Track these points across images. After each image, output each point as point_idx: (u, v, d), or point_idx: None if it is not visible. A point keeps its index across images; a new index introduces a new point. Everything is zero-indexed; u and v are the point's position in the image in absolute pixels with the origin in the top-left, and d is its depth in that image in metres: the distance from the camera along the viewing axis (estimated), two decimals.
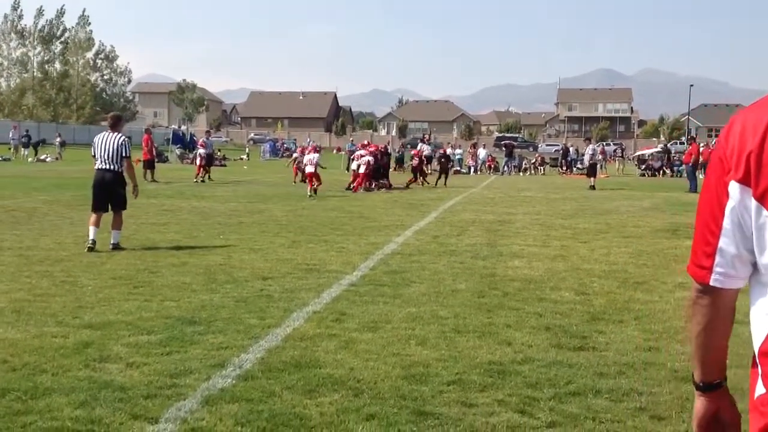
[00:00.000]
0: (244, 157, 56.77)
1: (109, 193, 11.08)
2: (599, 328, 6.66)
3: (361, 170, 25.11)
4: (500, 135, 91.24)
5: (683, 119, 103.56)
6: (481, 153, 47.53)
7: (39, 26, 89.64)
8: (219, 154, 43.39)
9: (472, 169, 44.92)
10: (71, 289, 7.89)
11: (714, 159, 1.65)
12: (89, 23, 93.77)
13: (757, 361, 1.63)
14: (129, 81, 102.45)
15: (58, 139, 50.06)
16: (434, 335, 6.30)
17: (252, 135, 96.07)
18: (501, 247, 11.72)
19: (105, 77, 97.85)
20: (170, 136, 53.77)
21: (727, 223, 1.61)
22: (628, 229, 14.49)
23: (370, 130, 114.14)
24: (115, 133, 11.15)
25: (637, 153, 53.39)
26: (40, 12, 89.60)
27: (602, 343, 6.17)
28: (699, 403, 1.83)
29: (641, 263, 10.27)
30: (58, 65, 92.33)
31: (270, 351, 5.75)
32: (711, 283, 1.68)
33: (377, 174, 26.34)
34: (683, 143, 68.79)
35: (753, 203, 1.55)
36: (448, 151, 39.92)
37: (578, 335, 6.38)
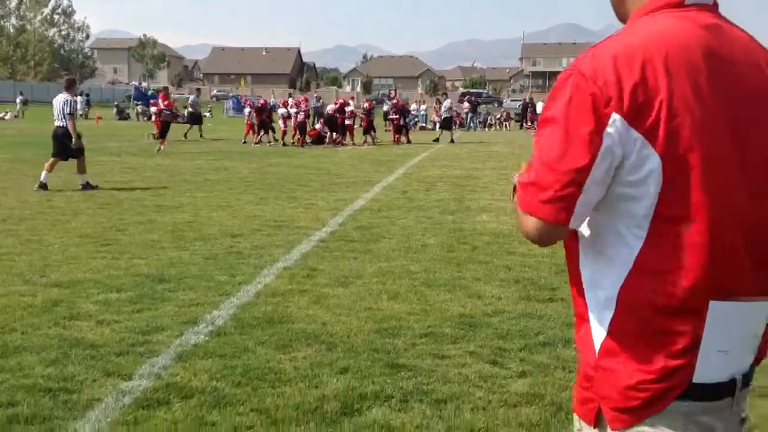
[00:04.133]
0: (207, 114, 56.04)
1: (60, 144, 13.05)
2: (567, 279, 6.74)
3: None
4: (465, 91, 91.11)
5: None
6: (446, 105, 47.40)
7: None
8: (183, 111, 42.80)
9: (438, 125, 44.85)
10: (37, 248, 7.79)
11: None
12: None
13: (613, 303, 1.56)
14: (87, 37, 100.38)
15: (20, 98, 49.46)
16: (405, 289, 6.35)
17: (215, 91, 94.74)
18: (469, 202, 11.78)
19: (63, 33, 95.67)
20: (132, 92, 52.87)
21: (601, 160, 1.51)
22: None
23: (335, 87, 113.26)
24: (64, 94, 13.22)
25: None
26: None
27: (570, 294, 6.25)
28: None
29: None
30: (13, 20, 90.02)
31: (242, 307, 5.75)
32: None
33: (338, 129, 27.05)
34: None
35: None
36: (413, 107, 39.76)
37: (547, 287, 6.48)
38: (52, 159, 12.97)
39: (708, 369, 1.50)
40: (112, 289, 6.24)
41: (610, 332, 1.55)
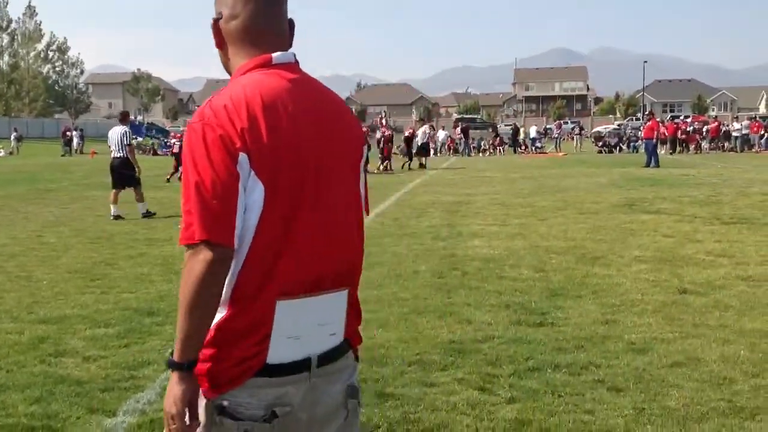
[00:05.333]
0: None
1: (118, 174, 13.76)
2: (558, 303, 6.73)
3: None
4: (459, 117, 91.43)
5: (638, 96, 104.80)
6: (440, 135, 47.63)
7: None
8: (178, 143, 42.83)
9: (432, 151, 44.97)
10: (26, 285, 7.76)
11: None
12: (36, 14, 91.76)
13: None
14: (81, 72, 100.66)
15: (14, 134, 49.64)
16: (395, 317, 6.31)
17: None
18: (460, 228, 11.77)
19: (57, 69, 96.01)
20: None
21: (240, 189, 1.80)
22: (585, 206, 14.64)
23: None
24: (119, 126, 14.10)
25: (594, 130, 53.96)
26: None
27: (561, 318, 6.23)
28: (183, 386, 1.81)
29: (599, 238, 10.39)
30: (6, 57, 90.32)
31: None
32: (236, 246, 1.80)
33: None
34: (639, 119, 69.64)
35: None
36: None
37: (537, 312, 6.44)
38: (113, 191, 13.65)
39: (280, 352, 1.85)
40: (100, 324, 6.20)
41: (217, 327, 1.84)
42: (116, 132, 13.89)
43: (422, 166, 30.34)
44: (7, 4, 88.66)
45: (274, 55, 1.96)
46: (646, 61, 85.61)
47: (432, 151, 44.57)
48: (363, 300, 6.85)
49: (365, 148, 2.11)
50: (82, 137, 52.25)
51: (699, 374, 4.83)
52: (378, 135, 31.15)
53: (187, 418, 1.83)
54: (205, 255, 1.75)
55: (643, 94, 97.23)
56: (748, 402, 4.34)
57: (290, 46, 2.04)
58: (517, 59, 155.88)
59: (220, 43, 2.04)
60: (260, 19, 1.97)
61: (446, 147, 46.35)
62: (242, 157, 1.78)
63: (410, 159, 30.79)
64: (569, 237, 10.59)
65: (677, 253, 9.16)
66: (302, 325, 1.89)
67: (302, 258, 1.87)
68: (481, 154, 45.00)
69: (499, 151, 46.17)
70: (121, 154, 13.74)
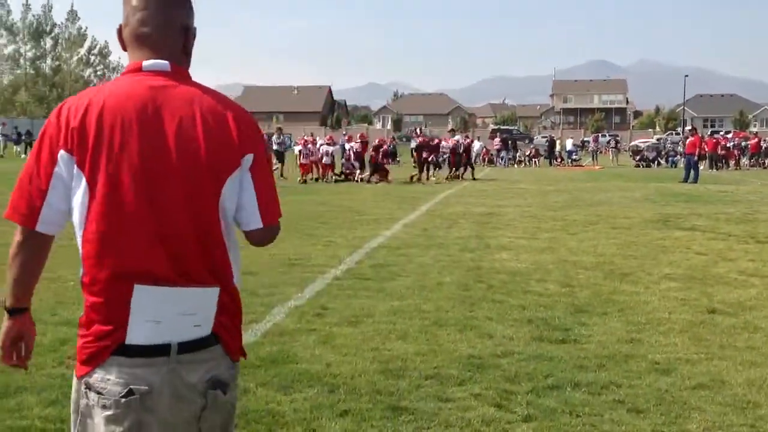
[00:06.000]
0: None
1: None
2: (582, 320, 6.62)
3: (325, 160, 27.83)
4: (495, 127, 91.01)
5: (679, 110, 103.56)
6: (476, 145, 47.45)
7: (28, 21, 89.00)
8: None
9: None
10: (51, 286, 7.81)
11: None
12: (78, 18, 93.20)
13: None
14: None
15: None
16: (415, 329, 6.25)
17: None
18: (489, 240, 11.67)
19: (98, 73, 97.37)
20: None
21: (55, 183, 2.05)
22: (618, 221, 14.45)
23: (366, 124, 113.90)
24: None
25: (631, 144, 53.43)
26: (27, 7, 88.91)
27: (584, 335, 6.12)
28: (8, 324, 2.22)
29: (629, 254, 10.23)
30: (49, 61, 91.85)
31: (248, 347, 5.61)
32: (38, 229, 2.08)
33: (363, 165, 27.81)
34: (678, 134, 68.83)
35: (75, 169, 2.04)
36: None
37: (560, 328, 6.34)
38: None
39: (139, 334, 2.01)
40: None
41: (84, 311, 2.10)
42: None
43: (457, 177, 30.22)
44: (51, 8, 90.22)
45: (146, 62, 2.11)
46: (687, 75, 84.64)
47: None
48: (384, 311, 6.81)
49: (248, 157, 2.11)
50: None
51: (722, 397, 4.71)
52: (413, 144, 31.10)
53: (15, 354, 2.24)
54: (19, 230, 2.12)
55: (683, 109, 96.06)
56: None
57: (184, 53, 2.19)
58: (556, 70, 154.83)
59: (123, 47, 2.22)
60: (144, 28, 2.14)
61: (481, 158, 46.12)
62: (63, 155, 2.03)
63: (472, 169, 31.08)
64: (599, 252, 10.44)
65: (708, 271, 8.98)
66: (163, 312, 2.03)
67: (128, 252, 2.03)
68: (516, 166, 44.73)
69: (534, 163, 45.84)
70: None
